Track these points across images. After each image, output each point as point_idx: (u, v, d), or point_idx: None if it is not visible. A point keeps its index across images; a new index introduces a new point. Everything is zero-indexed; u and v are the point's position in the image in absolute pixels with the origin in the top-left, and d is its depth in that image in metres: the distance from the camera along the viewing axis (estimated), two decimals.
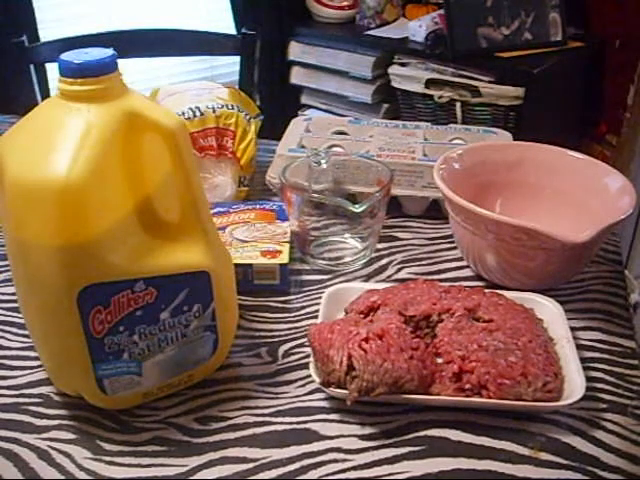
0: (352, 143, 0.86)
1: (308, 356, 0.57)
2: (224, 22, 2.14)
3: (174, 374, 0.55)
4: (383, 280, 0.72)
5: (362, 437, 0.53)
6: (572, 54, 1.86)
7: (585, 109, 2.03)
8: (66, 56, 0.47)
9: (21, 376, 0.59)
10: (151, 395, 0.55)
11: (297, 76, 2.22)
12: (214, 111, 0.82)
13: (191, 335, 0.54)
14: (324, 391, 0.56)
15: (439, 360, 0.55)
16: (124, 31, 1.37)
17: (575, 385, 0.53)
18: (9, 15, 1.73)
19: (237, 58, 1.40)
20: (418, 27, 1.93)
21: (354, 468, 0.50)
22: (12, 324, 0.66)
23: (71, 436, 0.53)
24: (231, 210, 0.77)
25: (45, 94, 1.39)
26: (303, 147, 0.85)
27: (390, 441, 0.52)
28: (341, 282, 0.71)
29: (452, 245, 0.77)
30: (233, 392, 0.58)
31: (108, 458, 0.51)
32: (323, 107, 2.22)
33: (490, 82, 1.76)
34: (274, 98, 2.12)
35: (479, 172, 0.75)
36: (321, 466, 0.50)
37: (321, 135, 0.89)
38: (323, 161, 0.76)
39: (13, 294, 0.69)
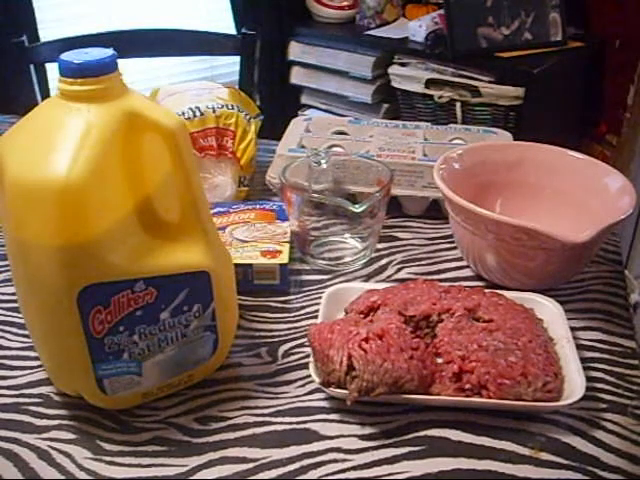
0: (352, 143, 0.86)
1: (308, 356, 0.57)
2: (224, 22, 2.14)
3: (174, 374, 0.55)
4: (383, 280, 0.72)
5: (362, 437, 0.53)
6: (572, 54, 1.86)
7: (585, 109, 2.03)
8: (66, 56, 0.47)
9: (21, 376, 0.59)
10: (151, 395, 0.55)
11: (297, 76, 2.22)
12: (214, 111, 0.82)
13: (191, 335, 0.54)
14: (324, 391, 0.56)
15: (439, 360, 0.55)
16: (124, 31, 1.37)
17: (575, 385, 0.53)
18: (9, 15, 1.73)
19: (237, 58, 1.40)
20: (418, 27, 1.93)
21: (354, 468, 0.50)
22: (12, 324, 0.66)
23: (71, 436, 0.53)
24: (231, 210, 0.77)
25: (45, 94, 1.39)
26: (303, 147, 0.85)
27: (390, 441, 0.52)
28: (341, 282, 0.71)
29: (452, 245, 0.77)
30: (233, 392, 0.58)
31: (108, 458, 0.51)
32: (323, 107, 2.22)
33: (490, 82, 1.76)
34: (274, 98, 2.12)
35: (479, 172, 0.75)
36: (321, 466, 0.50)
37: (321, 135, 0.89)
38: (323, 161, 0.76)
39: (13, 294, 0.69)
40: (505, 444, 0.51)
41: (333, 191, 0.79)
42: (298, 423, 0.54)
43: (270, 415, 0.55)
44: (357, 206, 0.67)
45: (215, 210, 0.77)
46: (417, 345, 0.54)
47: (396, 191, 0.81)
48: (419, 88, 1.89)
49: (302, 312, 0.67)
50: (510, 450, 0.51)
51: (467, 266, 0.73)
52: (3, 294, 0.70)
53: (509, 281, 0.68)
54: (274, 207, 0.78)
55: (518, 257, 0.65)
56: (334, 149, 0.85)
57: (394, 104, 2.04)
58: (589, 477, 0.49)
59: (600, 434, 0.52)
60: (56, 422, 0.54)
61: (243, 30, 1.38)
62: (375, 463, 0.50)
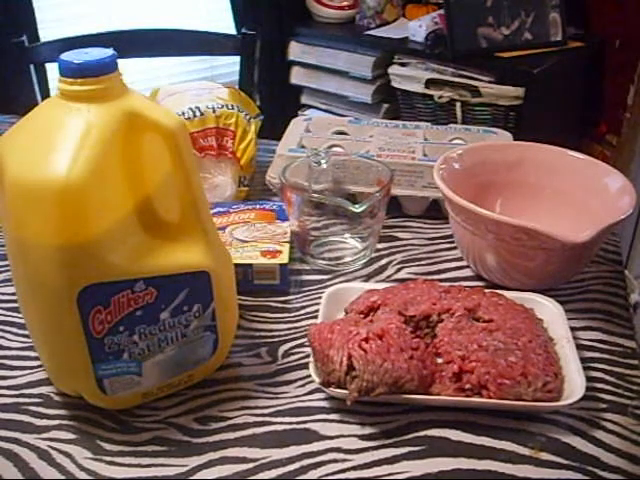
0: (352, 143, 0.86)
1: (308, 356, 0.57)
2: (224, 22, 2.14)
3: (174, 374, 0.55)
4: (383, 280, 0.72)
5: (362, 437, 0.53)
6: (572, 54, 1.86)
7: (585, 109, 2.03)
8: (66, 56, 0.47)
9: (21, 376, 0.59)
10: (151, 395, 0.55)
11: (297, 76, 2.22)
12: (214, 111, 0.82)
13: (191, 335, 0.54)
14: (324, 391, 0.56)
15: (439, 360, 0.55)
16: (124, 31, 1.37)
17: (575, 385, 0.53)
18: (9, 15, 1.73)
19: (237, 58, 1.40)
20: (418, 27, 1.93)
21: (354, 468, 0.50)
22: (12, 324, 0.66)
23: (71, 436, 0.53)
24: (231, 210, 0.77)
25: (45, 94, 1.39)
26: (303, 147, 0.85)
27: (390, 441, 0.52)
28: (341, 282, 0.71)
29: (452, 245, 0.77)
30: (233, 392, 0.58)
31: (108, 458, 0.51)
32: (323, 107, 2.22)
33: (490, 82, 1.76)
34: (274, 98, 2.12)
35: (479, 172, 0.75)
36: (321, 466, 0.50)
37: (321, 135, 0.89)
38: (323, 161, 0.76)
39: (13, 294, 0.69)
40: (505, 444, 0.51)
41: (333, 191, 0.79)
42: (298, 423, 0.54)
43: (270, 415, 0.55)
44: (357, 206, 0.67)
45: (215, 210, 0.77)
46: (417, 345, 0.54)
47: (396, 191, 0.81)
48: (419, 88, 1.89)
49: (302, 312, 0.67)
50: (510, 450, 0.51)
51: (467, 266, 0.73)
52: (3, 294, 0.70)
53: (509, 281, 0.68)
54: (274, 207, 0.78)
55: (518, 257, 0.65)
56: (334, 149, 0.85)
57: (394, 104, 2.04)
58: (589, 477, 0.49)
59: (600, 434, 0.52)
60: (56, 422, 0.54)
61: (243, 30, 1.38)
62: (375, 463, 0.50)
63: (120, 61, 0.49)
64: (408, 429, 0.53)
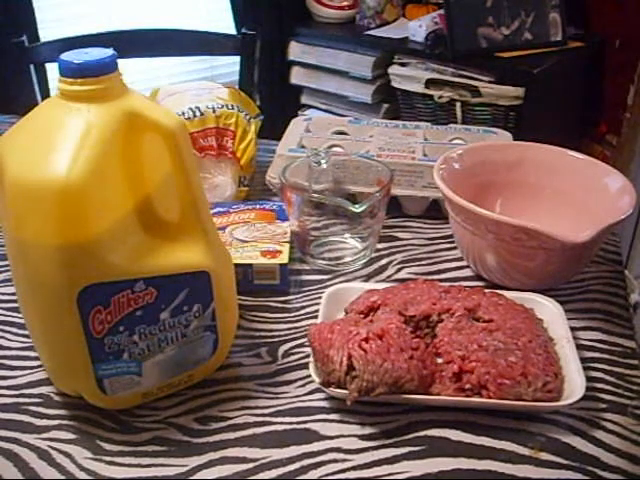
0: (352, 143, 0.86)
1: (308, 356, 0.57)
2: (224, 22, 2.14)
3: (174, 374, 0.55)
4: (383, 280, 0.72)
5: (362, 437, 0.53)
6: (572, 54, 1.86)
7: (585, 109, 2.03)
8: (66, 56, 0.47)
9: (21, 376, 0.59)
10: (151, 395, 0.55)
11: (297, 76, 2.22)
12: (214, 111, 0.82)
13: (191, 335, 0.54)
14: (324, 391, 0.56)
15: (439, 360, 0.55)
16: (124, 31, 1.37)
17: (575, 385, 0.53)
18: (9, 15, 1.73)
19: (237, 58, 1.40)
20: (418, 27, 1.93)
21: (354, 468, 0.50)
22: (12, 324, 0.66)
23: (71, 436, 0.53)
24: (231, 210, 0.77)
25: (45, 94, 1.39)
26: (303, 147, 0.85)
27: (390, 441, 0.52)
28: (341, 282, 0.71)
29: (452, 245, 0.77)
30: (233, 392, 0.58)
31: (108, 458, 0.51)
32: (323, 107, 2.22)
33: (490, 82, 1.76)
34: (274, 98, 2.12)
35: (479, 172, 0.75)
36: (321, 466, 0.50)
37: (321, 135, 0.89)
38: (323, 161, 0.76)
39: (13, 294, 0.69)
40: (505, 444, 0.51)
41: (333, 191, 0.79)
42: (298, 423, 0.54)
43: (270, 415, 0.55)
44: (357, 206, 0.67)
45: (215, 210, 0.77)
46: (417, 345, 0.54)
47: (396, 191, 0.81)
48: (419, 88, 1.89)
49: (302, 312, 0.67)
50: (510, 450, 0.51)
51: (467, 266, 0.73)
52: (3, 294, 0.70)
53: (509, 281, 0.68)
54: (274, 207, 0.78)
55: (518, 257, 0.65)
56: (334, 149, 0.85)
57: (394, 104, 2.04)
58: (589, 477, 0.49)
59: (600, 434, 0.52)
60: (56, 422, 0.55)
61: (243, 30, 1.38)
62: (375, 463, 0.50)
63: (120, 61, 0.49)
64: (408, 429, 0.53)
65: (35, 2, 1.80)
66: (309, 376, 0.57)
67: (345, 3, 2.18)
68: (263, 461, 0.51)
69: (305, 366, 0.59)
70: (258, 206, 0.79)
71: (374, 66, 2.01)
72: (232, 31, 2.12)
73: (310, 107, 2.26)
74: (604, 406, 0.55)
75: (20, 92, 1.32)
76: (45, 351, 0.54)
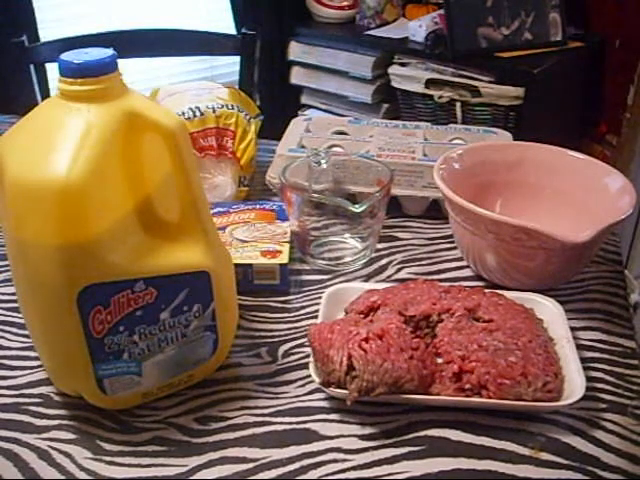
0: (352, 143, 0.86)
1: (308, 356, 0.57)
2: (224, 22, 2.14)
3: (174, 374, 0.55)
4: (383, 280, 0.72)
5: (362, 437, 0.53)
6: (572, 54, 1.86)
7: (585, 109, 2.03)
8: (66, 56, 0.47)
9: (21, 376, 0.59)
10: (151, 395, 0.55)
11: (297, 76, 2.22)
12: (214, 111, 0.82)
13: (191, 335, 0.54)
14: (324, 391, 0.56)
15: (439, 360, 0.55)
16: (124, 31, 1.37)
17: (575, 385, 0.53)
18: (9, 15, 1.73)
19: (237, 58, 1.40)
20: (418, 27, 1.93)
21: (354, 468, 0.50)
22: (12, 324, 0.66)
23: (71, 436, 0.53)
24: (231, 210, 0.77)
25: (45, 94, 1.39)
26: (303, 147, 0.85)
27: (390, 441, 0.52)
28: (341, 282, 0.71)
29: (452, 245, 0.77)
30: (233, 392, 0.58)
31: (108, 458, 0.51)
32: (323, 107, 2.22)
33: (490, 82, 1.76)
34: (274, 98, 2.12)
35: (479, 172, 0.75)
36: (321, 466, 0.50)
37: (321, 135, 0.89)
38: (323, 161, 0.76)
39: (13, 294, 0.69)
40: (505, 444, 0.51)
41: (333, 191, 0.79)
42: (298, 423, 0.54)
43: (270, 415, 0.55)
44: (357, 206, 0.67)
45: (215, 210, 0.77)
46: (417, 345, 0.54)
47: (396, 191, 0.80)
48: (419, 88, 1.89)
49: (302, 312, 0.67)
50: (510, 450, 0.51)
51: (467, 266, 0.73)
52: (3, 294, 0.70)
53: (509, 281, 0.68)
54: (274, 207, 0.78)
55: (518, 257, 0.65)
56: (334, 149, 0.85)
57: (394, 104, 2.04)
58: (589, 477, 0.49)
59: (600, 434, 0.52)
60: (56, 422, 0.54)
61: (243, 30, 1.38)
62: (375, 463, 0.50)
63: (120, 61, 0.49)
64: (408, 429, 0.53)
65: (35, 2, 1.80)
66: (309, 376, 0.57)
67: (345, 3, 2.18)
68: (263, 461, 0.51)
69: (305, 366, 0.59)
70: (258, 206, 0.79)
71: (374, 66, 2.01)
72: (232, 31, 2.12)
73: (310, 107, 2.26)
74: (604, 406, 0.55)
75: (20, 92, 1.32)
76: (45, 351, 0.54)
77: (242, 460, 0.51)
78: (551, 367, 0.54)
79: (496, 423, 0.53)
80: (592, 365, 0.59)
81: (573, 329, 0.61)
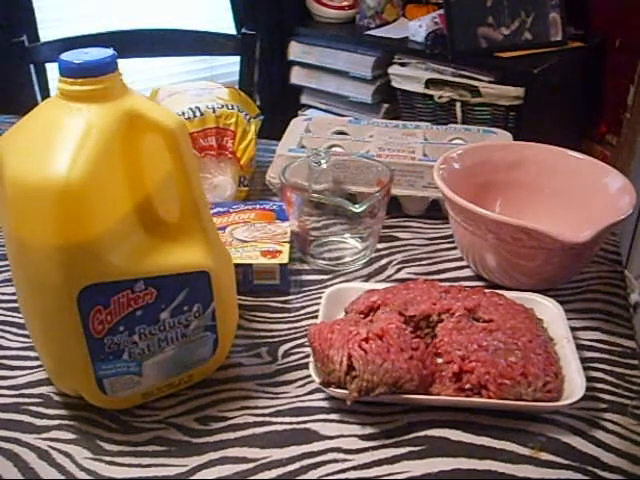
0: (352, 143, 0.86)
1: (308, 356, 0.57)
2: (224, 22, 2.14)
3: (174, 374, 0.55)
4: (383, 280, 0.72)
5: (362, 437, 0.53)
6: (572, 54, 1.86)
7: (585, 109, 2.03)
8: (66, 56, 0.47)
9: (21, 376, 0.59)
10: (151, 395, 0.55)
11: (297, 76, 2.22)
12: (214, 111, 0.82)
13: (191, 335, 0.54)
14: (324, 391, 0.56)
15: (439, 360, 0.55)
16: (124, 31, 1.37)
17: (575, 385, 0.53)
18: (9, 15, 1.73)
19: (237, 58, 1.40)
20: (418, 27, 1.93)
21: (354, 468, 0.50)
22: (12, 324, 0.66)
23: (71, 436, 0.53)
24: (231, 210, 0.77)
25: (45, 94, 1.39)
26: (303, 147, 0.85)
27: (390, 441, 0.52)
28: (341, 282, 0.71)
29: (452, 245, 0.77)
30: (233, 392, 0.58)
31: (108, 458, 0.51)
32: (323, 107, 2.22)
33: (490, 82, 1.76)
34: (274, 98, 2.12)
35: (479, 172, 0.75)
36: (321, 466, 0.50)
37: (321, 135, 0.89)
38: (323, 161, 0.76)
39: (13, 294, 0.69)
40: (505, 444, 0.51)
41: (333, 191, 0.79)
42: (298, 423, 0.54)
43: (270, 415, 0.55)
44: (357, 206, 0.67)
45: (215, 210, 0.77)
46: (417, 345, 0.54)
47: (396, 191, 0.81)
48: (419, 88, 1.89)
49: (302, 312, 0.67)
50: (510, 450, 0.51)
51: (467, 266, 0.73)
52: (3, 294, 0.70)
53: (509, 281, 0.68)
54: (274, 207, 0.78)
55: (518, 257, 0.65)
56: (334, 149, 0.85)
57: (394, 104, 2.04)
58: (589, 477, 0.49)
59: (600, 434, 0.52)
60: (56, 422, 0.54)
61: (243, 30, 1.38)
62: (375, 463, 0.50)
63: (120, 61, 0.49)
64: (408, 429, 0.53)
65: (35, 2, 1.80)
66: (309, 376, 0.57)
67: (345, 3, 2.18)
68: (263, 461, 0.51)
69: (305, 366, 0.59)
70: (258, 206, 0.79)
71: (374, 66, 2.01)
72: (232, 31, 2.12)
73: (310, 107, 2.26)
74: (604, 406, 0.55)
75: (20, 92, 1.32)
76: (45, 351, 0.54)
77: (242, 460, 0.51)
78: (551, 367, 0.54)
79: (496, 423, 0.53)
80: (592, 365, 0.59)
81: (573, 329, 0.61)
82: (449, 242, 0.78)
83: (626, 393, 0.56)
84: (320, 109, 2.22)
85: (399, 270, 0.74)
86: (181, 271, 0.51)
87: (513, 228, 0.61)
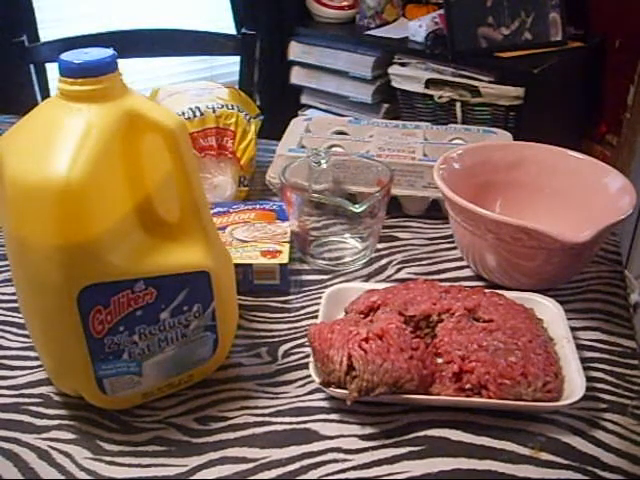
0: (352, 143, 0.86)
1: (308, 356, 0.57)
2: (224, 22, 2.14)
3: (174, 374, 0.55)
4: (383, 280, 0.72)
5: (362, 437, 0.53)
6: (572, 54, 1.86)
7: (585, 109, 2.03)
8: (66, 56, 0.47)
9: (21, 376, 0.59)
10: (151, 395, 0.55)
11: (297, 76, 2.22)
12: (214, 111, 0.82)
13: (191, 335, 0.54)
14: (324, 391, 0.56)
15: (439, 360, 0.55)
16: (124, 31, 1.37)
17: (575, 385, 0.53)
18: (9, 15, 1.73)
19: (237, 58, 1.40)
20: (418, 27, 1.93)
21: (354, 468, 0.50)
22: (12, 324, 0.66)
23: (71, 436, 0.53)
24: (231, 210, 0.77)
25: (45, 94, 1.39)
26: (303, 147, 0.85)
27: (390, 441, 0.52)
28: (341, 282, 0.71)
29: (452, 245, 0.77)
30: (233, 392, 0.58)
31: (108, 458, 0.51)
32: (323, 107, 2.22)
33: (490, 82, 1.76)
34: (274, 98, 2.12)
35: (479, 172, 0.75)
36: (321, 466, 0.50)
37: (321, 135, 0.89)
38: (323, 161, 0.76)
39: (13, 294, 0.69)
40: (505, 444, 0.51)
41: (333, 191, 0.79)
42: (298, 423, 0.54)
43: (270, 415, 0.55)
44: (357, 206, 0.67)
45: (215, 210, 0.77)
46: (417, 345, 0.54)
47: (396, 191, 0.81)
48: (419, 88, 1.89)
49: (302, 312, 0.67)
50: (510, 450, 0.51)
51: (467, 266, 0.73)
52: (3, 294, 0.70)
53: (509, 281, 0.68)
54: (274, 207, 0.78)
55: (518, 257, 0.65)
56: (334, 149, 0.85)
57: (394, 104, 2.04)
58: (589, 477, 0.49)
59: (600, 434, 0.52)
60: (56, 422, 0.54)
61: (243, 30, 1.38)
62: (375, 463, 0.50)
63: (120, 61, 0.49)
64: (408, 429, 0.53)
65: (35, 2, 1.80)
66: (309, 376, 0.57)
67: (345, 3, 2.18)
68: (263, 461, 0.51)
69: (305, 366, 0.59)
70: (258, 206, 0.79)
71: (374, 66, 2.01)
72: (232, 31, 2.12)
73: (310, 107, 2.26)
74: (604, 406, 0.55)
75: (20, 92, 1.32)
76: (45, 351, 0.54)
77: (242, 460, 0.51)
78: (551, 367, 0.54)
79: (496, 423, 0.53)
80: (592, 365, 0.59)
81: (573, 329, 0.61)
82: (449, 242, 0.78)
83: (626, 393, 0.56)
84: (320, 109, 2.22)
85: (399, 270, 0.74)
86: (181, 271, 0.51)
87: (513, 228, 0.61)
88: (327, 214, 0.75)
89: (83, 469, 0.50)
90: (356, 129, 0.90)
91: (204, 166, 0.82)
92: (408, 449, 0.51)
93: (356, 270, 0.74)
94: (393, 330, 0.54)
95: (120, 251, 0.48)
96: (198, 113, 0.81)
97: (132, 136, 0.48)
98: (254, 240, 0.72)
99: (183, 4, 2.08)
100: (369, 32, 2.07)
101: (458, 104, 1.83)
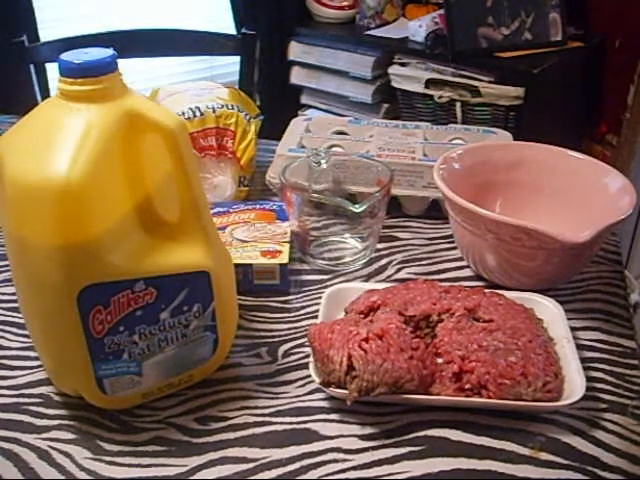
0: (352, 143, 0.86)
1: (308, 356, 0.57)
2: (224, 22, 2.14)
3: (174, 374, 0.55)
4: (383, 280, 0.72)
5: (362, 437, 0.53)
6: (572, 54, 1.86)
7: (585, 109, 2.03)
8: (66, 56, 0.47)
9: (21, 376, 0.59)
10: (151, 395, 0.55)
11: (297, 76, 2.22)
12: (214, 111, 0.82)
13: (191, 335, 0.54)
14: (324, 391, 0.56)
15: (439, 360, 0.55)
16: (124, 31, 1.37)
17: (575, 385, 0.53)
18: (9, 15, 1.73)
19: (237, 58, 1.40)
20: (418, 27, 1.93)
21: (354, 468, 0.50)
22: (12, 324, 0.66)
23: (71, 436, 0.53)
24: (231, 210, 0.77)
25: (45, 94, 1.39)
26: (303, 147, 0.85)
27: (390, 441, 0.52)
28: (341, 282, 0.71)
29: (452, 245, 0.77)
30: (233, 392, 0.58)
31: (108, 458, 0.51)
32: (323, 107, 2.22)
33: (490, 82, 1.76)
34: (274, 98, 2.12)
35: (479, 172, 0.75)
36: (321, 466, 0.50)
37: (321, 135, 0.89)
38: (323, 161, 0.76)
39: (13, 294, 0.69)
40: (505, 444, 0.51)
41: (333, 191, 0.79)
42: (298, 423, 0.54)
43: (270, 415, 0.55)
44: (357, 206, 0.67)
45: (215, 210, 0.77)
46: (417, 345, 0.54)
47: (396, 191, 0.81)
48: (419, 88, 1.89)
49: (302, 312, 0.67)
50: (510, 450, 0.51)
51: (467, 266, 0.73)
52: (3, 294, 0.70)
53: (509, 281, 0.68)
54: (274, 207, 0.78)
55: (518, 257, 0.65)
56: (334, 149, 0.85)
57: (394, 104, 2.04)
58: (589, 477, 0.49)
59: (600, 434, 0.52)
60: (56, 422, 0.54)
61: (243, 30, 1.38)
62: (375, 463, 0.50)
63: (120, 61, 0.49)
64: (408, 429, 0.53)
65: (35, 2, 1.80)
66: (309, 376, 0.57)
67: (345, 3, 2.18)
68: (263, 461, 0.51)
69: (305, 366, 0.59)
70: (258, 206, 0.79)
71: (374, 66, 2.01)
72: (232, 31, 2.12)
73: (310, 107, 2.26)
74: (604, 406, 0.55)
75: (20, 92, 1.32)
76: (45, 351, 0.54)
77: (242, 460, 0.51)
78: (551, 367, 0.54)
79: (496, 423, 0.53)
80: (592, 365, 0.59)
81: (573, 329, 0.61)
82: (449, 242, 0.78)
83: (626, 393, 0.56)
84: (320, 109, 2.22)
85: (399, 270, 0.74)
86: (181, 271, 0.51)
87: (513, 228, 0.61)
88: (327, 214, 0.75)
89: (83, 469, 0.50)
90: (356, 129, 0.90)
91: (204, 166, 0.82)
92: (408, 449, 0.51)
93: (356, 270, 0.74)
94: (393, 330, 0.54)
95: (120, 251, 0.48)
96: (198, 113, 0.81)
97: (132, 136, 0.48)
98: (254, 240, 0.72)
99: (183, 4, 2.08)
100: (369, 32, 2.07)
101: (458, 104, 1.83)
